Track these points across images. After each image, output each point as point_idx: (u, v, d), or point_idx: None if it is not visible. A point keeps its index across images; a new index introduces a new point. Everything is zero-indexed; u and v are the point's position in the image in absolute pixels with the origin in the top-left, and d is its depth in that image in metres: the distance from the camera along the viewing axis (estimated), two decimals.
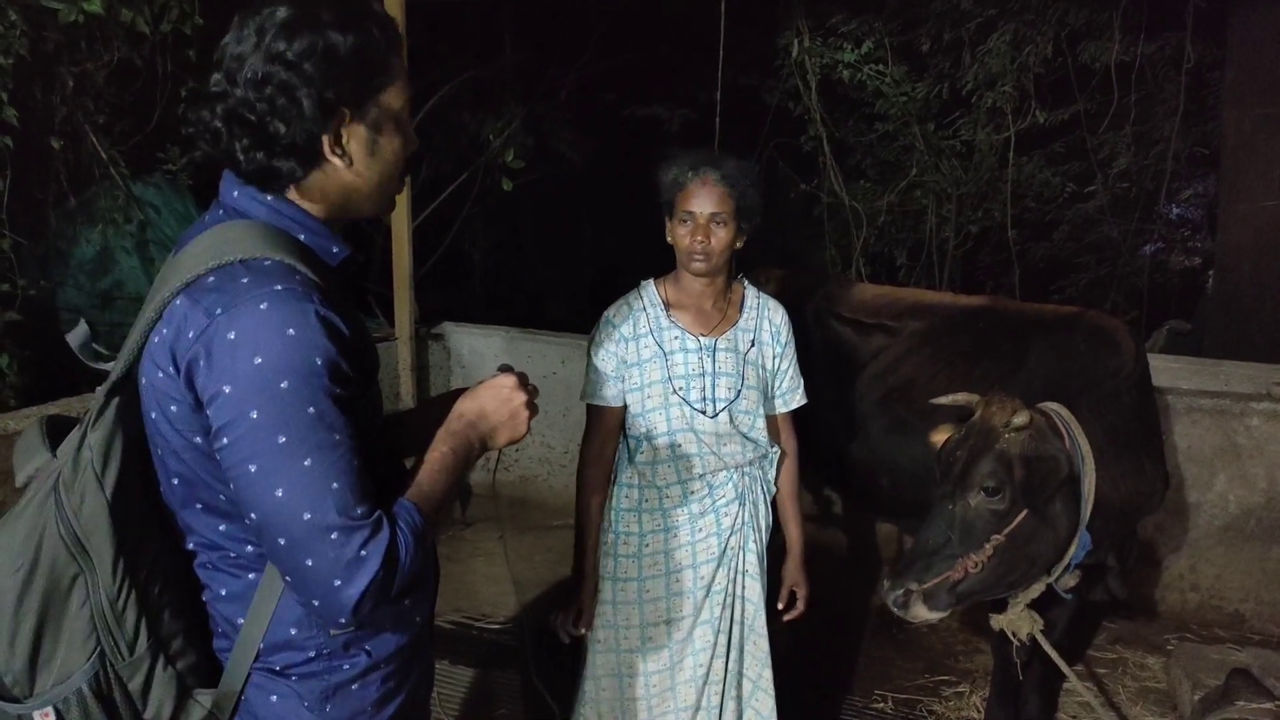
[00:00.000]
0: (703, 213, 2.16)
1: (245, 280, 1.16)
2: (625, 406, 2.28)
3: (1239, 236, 5.55)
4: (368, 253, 6.40)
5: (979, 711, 3.24)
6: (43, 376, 4.02)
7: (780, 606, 2.42)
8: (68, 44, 4.29)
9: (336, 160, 1.26)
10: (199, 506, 1.25)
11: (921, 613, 2.34)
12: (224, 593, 1.28)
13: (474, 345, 5.16)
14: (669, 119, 7.36)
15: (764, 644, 2.38)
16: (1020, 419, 2.31)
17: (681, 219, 2.19)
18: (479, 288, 8.69)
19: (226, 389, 1.13)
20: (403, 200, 4.60)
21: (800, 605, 2.43)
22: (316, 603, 1.15)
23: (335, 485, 1.13)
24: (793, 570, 2.42)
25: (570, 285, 9.25)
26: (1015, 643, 2.62)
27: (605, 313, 2.31)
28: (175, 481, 1.25)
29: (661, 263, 2.35)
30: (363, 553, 1.13)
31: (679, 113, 7.29)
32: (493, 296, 8.64)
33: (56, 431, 1.26)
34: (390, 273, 4.86)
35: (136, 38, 4.39)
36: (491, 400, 1.37)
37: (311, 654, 1.28)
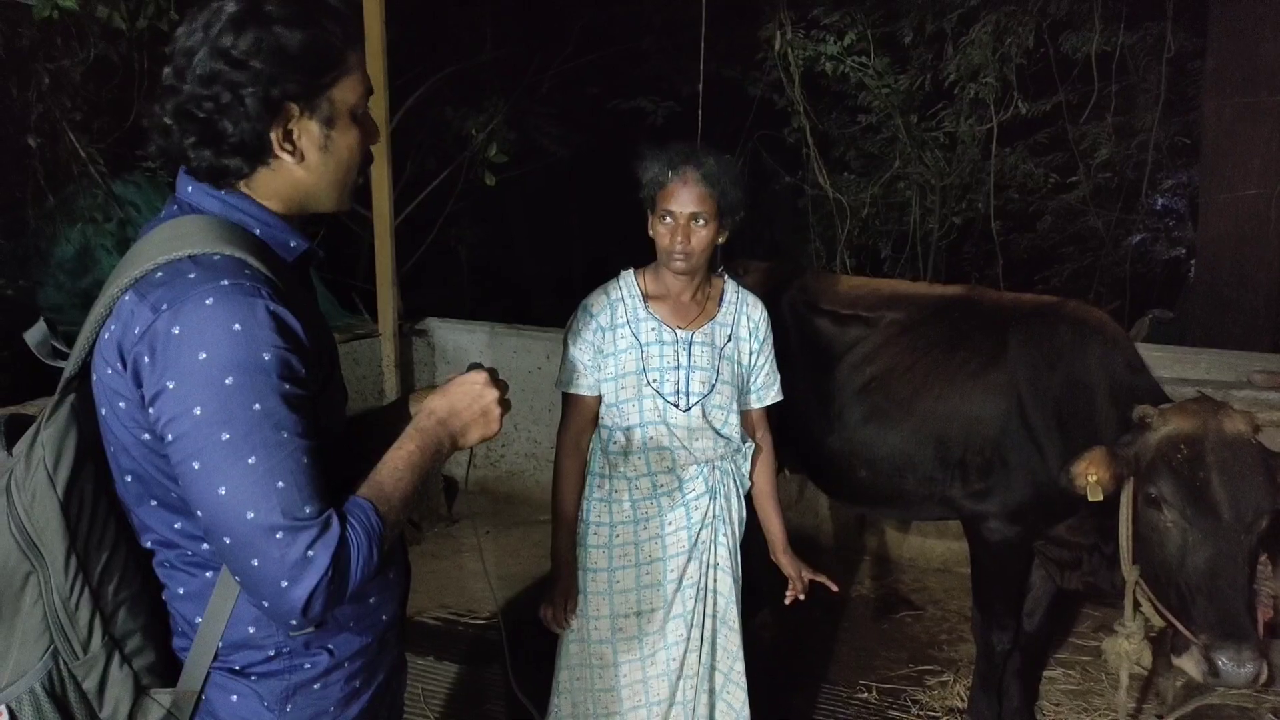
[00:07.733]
0: (683, 212, 2.14)
1: (192, 275, 1.15)
2: (601, 396, 2.27)
3: (1220, 226, 5.57)
4: (354, 249, 6.35)
5: (963, 700, 3.25)
6: (22, 377, 3.99)
7: (800, 598, 2.34)
8: (43, 40, 4.26)
9: (286, 156, 1.25)
10: (153, 503, 1.23)
11: (1265, 669, 2.01)
12: (181, 591, 1.26)
13: (458, 341, 5.15)
14: (653, 112, 7.34)
15: (735, 638, 2.36)
16: (1254, 421, 2.11)
17: (661, 217, 2.17)
18: (466, 284, 8.66)
19: (170, 385, 1.12)
20: (385, 196, 4.58)
21: (809, 576, 2.32)
22: (266, 604, 1.14)
23: (280, 484, 1.11)
24: (786, 562, 2.38)
25: (558, 280, 9.23)
26: (1135, 671, 2.34)
27: (583, 301, 2.29)
28: (129, 479, 1.23)
29: (650, 256, 2.31)
30: (309, 553, 1.11)
31: (663, 105, 7.27)
32: (480, 292, 8.62)
33: (17, 430, 1.25)
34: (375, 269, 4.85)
35: (113, 34, 4.36)
36: (463, 398, 1.35)
37: (271, 653, 1.27)
